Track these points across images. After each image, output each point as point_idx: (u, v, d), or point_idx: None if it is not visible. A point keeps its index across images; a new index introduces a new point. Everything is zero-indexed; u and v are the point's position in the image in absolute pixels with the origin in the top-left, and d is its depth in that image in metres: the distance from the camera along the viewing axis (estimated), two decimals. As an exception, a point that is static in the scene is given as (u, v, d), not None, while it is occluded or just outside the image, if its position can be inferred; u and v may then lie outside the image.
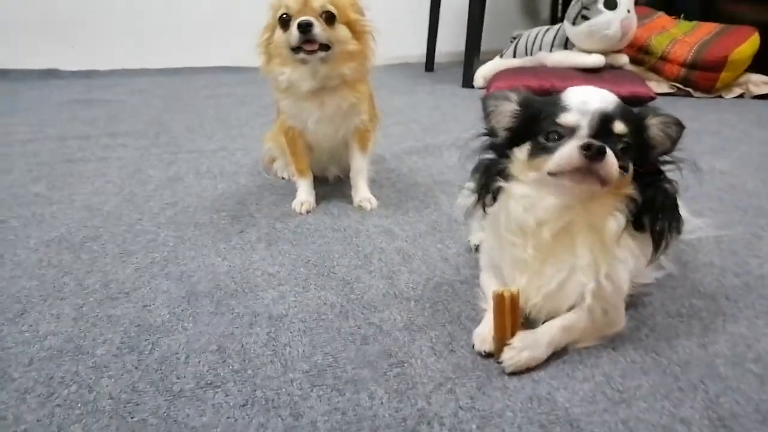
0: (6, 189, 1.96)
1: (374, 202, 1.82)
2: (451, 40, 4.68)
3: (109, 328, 1.17)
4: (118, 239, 1.59)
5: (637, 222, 1.06)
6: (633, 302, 1.26)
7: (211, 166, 2.22)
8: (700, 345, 1.13)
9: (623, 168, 1.02)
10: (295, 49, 1.61)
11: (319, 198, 1.88)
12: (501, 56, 3.86)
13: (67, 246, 1.54)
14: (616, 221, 1.05)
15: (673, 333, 1.17)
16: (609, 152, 0.98)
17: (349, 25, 1.68)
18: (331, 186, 2.00)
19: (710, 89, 3.59)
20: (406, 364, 1.07)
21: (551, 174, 1.03)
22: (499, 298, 1.04)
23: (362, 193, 1.83)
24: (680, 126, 1.08)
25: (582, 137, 1.01)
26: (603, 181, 1.00)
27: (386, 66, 4.85)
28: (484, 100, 1.16)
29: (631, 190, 1.06)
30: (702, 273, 1.41)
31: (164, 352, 1.10)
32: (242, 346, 1.12)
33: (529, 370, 1.04)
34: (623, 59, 3.50)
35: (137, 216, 1.74)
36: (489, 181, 1.13)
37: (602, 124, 1.01)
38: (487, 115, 1.15)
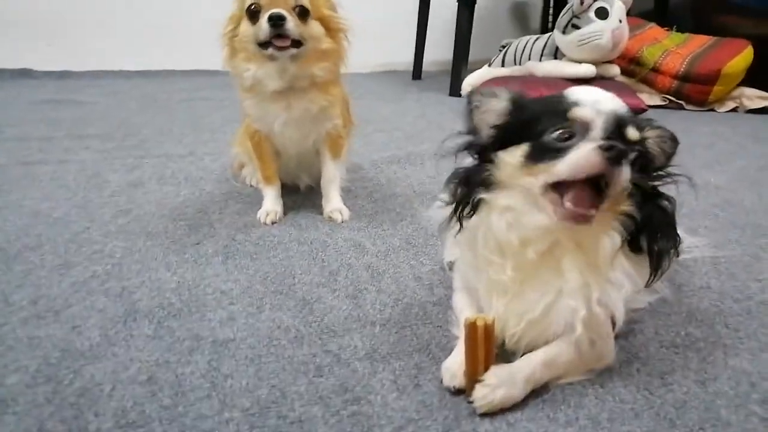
0: (-51, 192, 1.82)
1: (346, 213, 1.68)
2: (440, 48, 4.58)
3: (28, 352, 1.03)
4: (59, 249, 1.44)
5: (633, 242, 0.94)
6: (624, 331, 1.13)
7: (176, 171, 2.08)
8: (698, 382, 1.00)
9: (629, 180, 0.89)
10: (264, 44, 1.47)
11: (288, 208, 1.74)
12: (489, 65, 3.75)
13: (2, 257, 1.39)
14: (611, 240, 0.93)
15: (667, 367, 1.04)
16: (624, 162, 0.86)
17: (323, 21, 1.55)
18: (302, 195, 1.86)
19: (703, 102, 3.49)
20: (363, 401, 0.93)
21: (555, 185, 0.89)
22: (471, 328, 0.90)
23: (333, 203, 1.70)
24: (675, 141, 0.99)
25: (596, 138, 0.87)
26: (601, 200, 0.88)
27: (373, 73, 4.75)
28: (470, 95, 1.01)
29: (628, 206, 0.93)
30: (698, 297, 1.29)
31: (86, 383, 0.95)
32: (177, 376, 0.97)
33: (503, 410, 0.91)
34: (614, 70, 3.40)
35: (86, 224, 1.60)
36: (469, 190, 0.98)
37: (617, 128, 0.88)
38: (470, 111, 1.00)
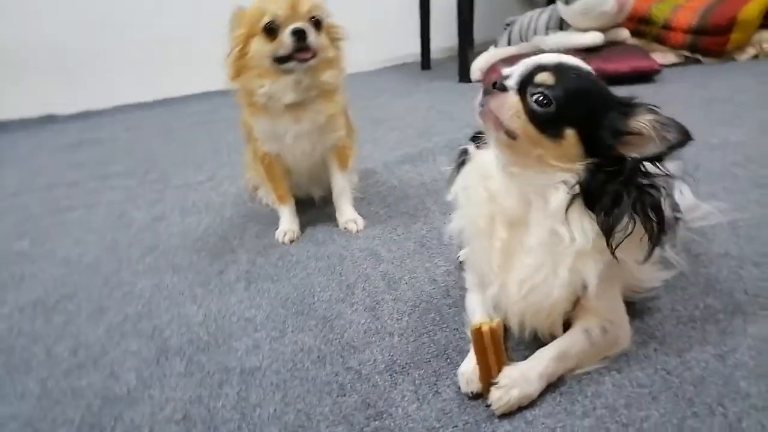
0: (-9, 250, 1.92)
1: (360, 222, 1.71)
2: (446, 34, 4.53)
3: (72, 403, 1.10)
4: (93, 295, 1.52)
5: (587, 202, 0.92)
6: (639, 310, 1.14)
7: (197, 199, 2.15)
8: (716, 356, 1.00)
9: (536, 117, 0.93)
10: (281, 59, 1.51)
11: (305, 223, 1.79)
12: (495, 46, 3.71)
13: (42, 309, 1.48)
14: (556, 193, 0.93)
15: (685, 344, 1.04)
16: (508, 93, 0.95)
17: (326, 30, 1.59)
18: (318, 208, 1.90)
19: (720, 53, 3.37)
20: (385, 415, 0.96)
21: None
22: (477, 334, 0.92)
23: (347, 214, 1.73)
24: (683, 134, 0.88)
25: (510, 86, 0.97)
26: (500, 124, 0.95)
27: (383, 69, 4.76)
28: None
29: (575, 165, 0.92)
30: (717, 266, 1.28)
31: (127, 428, 1.01)
32: (209, 411, 1.03)
33: (521, 408, 0.93)
34: (623, 34, 3.32)
35: (116, 266, 1.67)
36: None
37: (529, 75, 0.96)
38: None
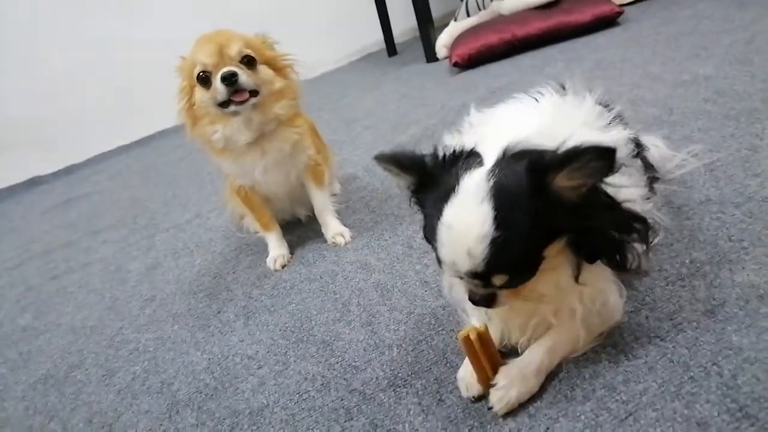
0: (-3, 330, 1.95)
1: (347, 234, 1.72)
2: (406, 15, 4.50)
3: (93, 476, 1.12)
4: (100, 358, 1.54)
5: (589, 258, 0.91)
6: (628, 278, 1.14)
7: (187, 240, 2.16)
8: (706, 312, 1.00)
9: (520, 282, 0.89)
10: (223, 104, 1.51)
11: (294, 243, 1.80)
12: (455, 19, 3.68)
13: (53, 383, 1.50)
14: (561, 278, 0.93)
15: (675, 305, 1.04)
16: (498, 294, 0.91)
17: (269, 63, 1.58)
18: (305, 226, 1.91)
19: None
20: (393, 434, 0.98)
21: None
22: (466, 342, 0.93)
23: (333, 229, 1.74)
24: (603, 157, 0.77)
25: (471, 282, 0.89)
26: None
27: (351, 63, 4.74)
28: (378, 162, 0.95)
29: (564, 253, 0.89)
30: (699, 215, 1.27)
31: (148, 491, 1.04)
32: (224, 460, 1.05)
33: (523, 403, 0.94)
34: (579, -19, 3.28)
35: (119, 324, 1.69)
36: (426, 238, 0.94)
37: (483, 280, 0.86)
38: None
